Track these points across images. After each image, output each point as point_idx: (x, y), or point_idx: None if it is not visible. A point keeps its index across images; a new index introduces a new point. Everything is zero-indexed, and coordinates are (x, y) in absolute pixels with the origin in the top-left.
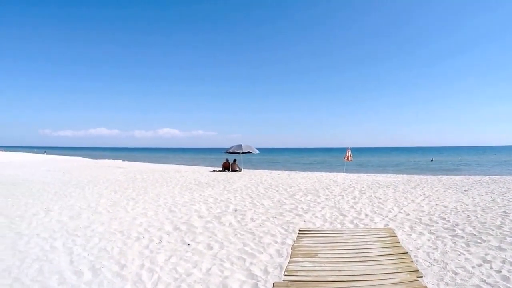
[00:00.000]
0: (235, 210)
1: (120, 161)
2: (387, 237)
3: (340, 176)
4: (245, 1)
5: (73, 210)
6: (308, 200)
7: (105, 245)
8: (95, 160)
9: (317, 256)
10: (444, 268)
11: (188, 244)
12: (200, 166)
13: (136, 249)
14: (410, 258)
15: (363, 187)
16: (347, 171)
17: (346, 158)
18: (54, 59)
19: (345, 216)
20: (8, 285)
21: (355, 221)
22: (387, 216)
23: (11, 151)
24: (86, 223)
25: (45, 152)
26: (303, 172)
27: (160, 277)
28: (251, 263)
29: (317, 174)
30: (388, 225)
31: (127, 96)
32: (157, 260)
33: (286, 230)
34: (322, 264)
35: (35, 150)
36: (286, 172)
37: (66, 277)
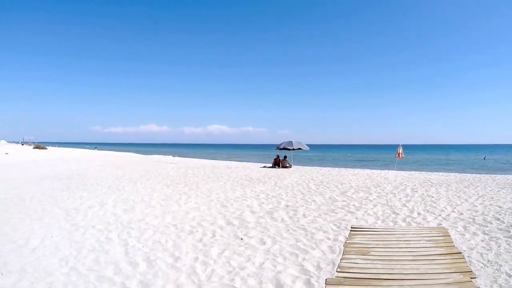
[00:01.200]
0: (287, 206)
1: (170, 156)
2: (440, 236)
3: (391, 174)
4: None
5: (127, 204)
6: (360, 197)
7: (159, 237)
8: (146, 156)
9: (369, 254)
10: (498, 270)
11: (241, 239)
12: (250, 162)
13: (189, 242)
14: (464, 258)
15: (415, 185)
16: (398, 168)
17: (397, 155)
18: (106, 57)
19: (398, 214)
20: (66, 273)
21: (407, 220)
22: (440, 215)
23: (64, 147)
24: (140, 216)
25: (95, 148)
26: (353, 169)
27: (214, 270)
28: (303, 259)
29: (367, 171)
30: (441, 224)
31: (177, 93)
32: (211, 253)
33: (338, 227)
34: (375, 262)
35: (87, 146)
36: (336, 169)
37: (121, 267)
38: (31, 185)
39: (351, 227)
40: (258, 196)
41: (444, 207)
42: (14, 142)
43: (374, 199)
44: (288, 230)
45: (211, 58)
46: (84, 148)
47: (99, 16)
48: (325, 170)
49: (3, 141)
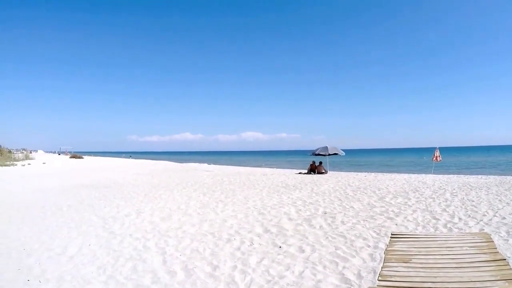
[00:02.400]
0: (325, 213)
1: (206, 164)
2: (483, 242)
3: (429, 178)
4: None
5: (164, 212)
6: (399, 202)
7: (197, 246)
8: (181, 164)
9: (411, 261)
10: None
11: (280, 247)
12: (286, 168)
13: (227, 250)
14: (508, 265)
15: (454, 189)
16: (435, 172)
17: (434, 158)
18: (141, 66)
19: (438, 219)
20: (103, 282)
21: (448, 225)
22: (481, 220)
23: (100, 156)
24: (177, 225)
25: (130, 156)
26: (390, 174)
27: (253, 279)
28: (344, 267)
29: (405, 175)
30: (483, 229)
31: (211, 102)
32: (249, 262)
33: (378, 234)
34: (417, 270)
35: (123, 155)
36: (373, 174)
37: (159, 276)
38: (68, 194)
39: (391, 234)
40: (295, 203)
41: (486, 211)
42: (51, 152)
43: (413, 204)
44: (327, 237)
45: (245, 66)
46: (120, 157)
47: (132, 27)
48: (361, 175)
49: (40, 151)
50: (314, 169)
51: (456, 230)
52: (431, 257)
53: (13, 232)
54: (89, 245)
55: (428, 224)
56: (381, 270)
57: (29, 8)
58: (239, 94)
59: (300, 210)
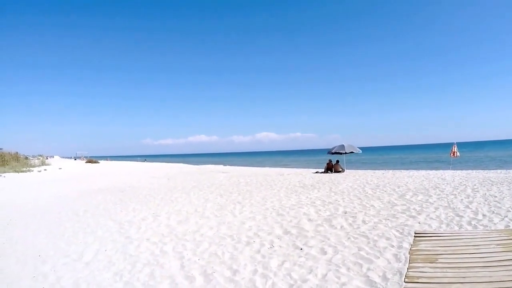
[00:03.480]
0: (345, 213)
1: (221, 166)
2: (511, 239)
3: (448, 174)
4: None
5: (180, 215)
6: (420, 200)
7: (215, 249)
8: (197, 166)
9: (437, 261)
10: None
11: (301, 249)
12: (302, 168)
13: (247, 254)
14: None
15: (475, 185)
16: (454, 167)
17: (452, 154)
18: (154, 70)
19: (462, 216)
20: None
21: (472, 222)
22: (506, 216)
23: (116, 161)
24: (195, 228)
25: (145, 160)
26: (408, 171)
27: (274, 283)
28: (368, 269)
29: (423, 172)
30: (509, 226)
31: (225, 103)
32: (270, 265)
33: (401, 233)
34: (444, 270)
35: (138, 159)
36: (391, 171)
37: (177, 282)
38: (84, 198)
39: (415, 233)
40: (314, 203)
41: (510, 207)
42: (67, 157)
43: (434, 201)
44: (349, 238)
45: (257, 66)
46: (135, 161)
47: (145, 31)
48: (379, 173)
49: (56, 157)
50: (331, 168)
51: (481, 227)
52: (457, 256)
53: (29, 238)
54: (105, 250)
55: (452, 222)
56: (407, 271)
57: (41, 13)
58: (252, 95)
59: (320, 210)
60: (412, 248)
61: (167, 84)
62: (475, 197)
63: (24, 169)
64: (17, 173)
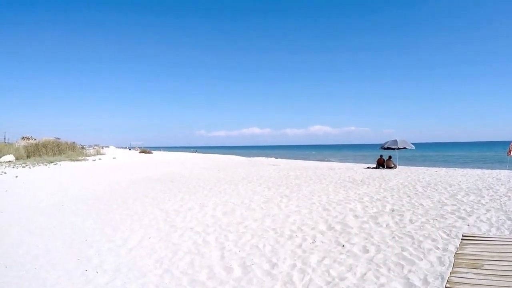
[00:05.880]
0: (392, 210)
1: (273, 158)
2: None
3: (503, 174)
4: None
5: (227, 206)
6: (471, 201)
7: (257, 242)
8: (248, 158)
9: (482, 267)
10: None
11: (343, 246)
12: (354, 163)
13: (288, 248)
14: None
15: None
16: (510, 167)
17: (509, 152)
18: (211, 66)
19: None
20: (159, 275)
21: None
22: None
23: (169, 151)
24: (239, 219)
25: (196, 151)
26: (462, 169)
27: (311, 279)
28: (409, 271)
29: (477, 171)
30: None
31: (279, 97)
32: (310, 260)
33: (448, 235)
34: (489, 277)
35: (191, 150)
36: (444, 169)
37: (215, 272)
38: (135, 187)
39: (462, 236)
40: (362, 199)
41: None
42: (122, 147)
43: (486, 203)
44: (393, 237)
45: (313, 63)
46: (187, 152)
47: (206, 29)
48: (432, 170)
49: (112, 147)
50: (382, 164)
51: None
52: (505, 263)
53: (78, 223)
54: (150, 238)
55: (503, 226)
56: (450, 276)
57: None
58: (307, 89)
59: (367, 206)
60: (457, 252)
61: (223, 79)
62: None
63: (80, 158)
64: (72, 162)
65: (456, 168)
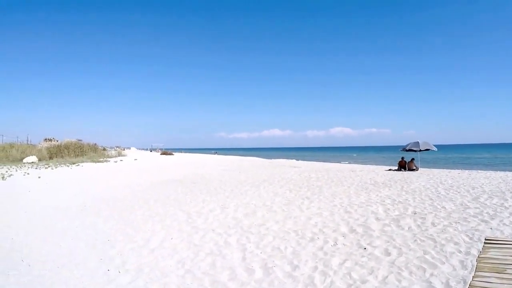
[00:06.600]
0: (415, 213)
1: (294, 160)
2: None
3: None
4: None
5: (248, 208)
6: (494, 204)
7: (278, 244)
8: (269, 160)
9: (505, 272)
10: None
11: (365, 248)
12: (375, 165)
13: (309, 250)
14: None
15: None
16: None
17: None
18: (233, 68)
19: None
20: (181, 276)
21: None
22: None
23: (190, 153)
24: (261, 221)
25: (216, 152)
26: (485, 172)
27: (333, 282)
28: (431, 274)
29: (501, 173)
30: None
31: (300, 99)
32: (331, 263)
33: (471, 238)
34: (511, 282)
35: (212, 151)
36: (467, 171)
37: (237, 273)
38: (156, 188)
39: (485, 239)
40: (384, 201)
41: None
42: (143, 149)
43: (510, 206)
44: (415, 240)
45: (333, 65)
46: (208, 154)
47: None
48: (454, 172)
49: (133, 148)
50: (404, 166)
51: None
52: None
53: (100, 224)
54: (171, 238)
55: None
56: (472, 280)
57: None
58: (328, 91)
59: (389, 209)
60: (480, 256)
61: (242, 81)
62: None
63: (101, 159)
64: (94, 163)
65: (479, 171)
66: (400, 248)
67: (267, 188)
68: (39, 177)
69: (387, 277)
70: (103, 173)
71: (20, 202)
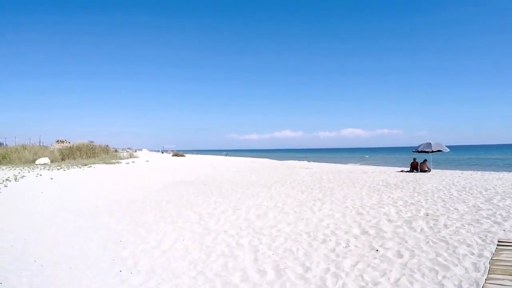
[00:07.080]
0: (427, 215)
1: (305, 161)
2: None
3: None
4: None
5: (260, 209)
6: (507, 205)
7: (290, 245)
8: (280, 161)
9: None
10: None
11: (377, 250)
12: (386, 166)
13: (321, 251)
14: None
15: None
16: None
17: None
18: (244, 69)
19: None
20: (193, 277)
21: None
22: None
23: (201, 155)
24: (273, 223)
25: (226, 154)
26: (498, 173)
27: (345, 284)
28: (443, 277)
29: None
30: None
31: (312, 99)
32: (343, 265)
33: (483, 240)
34: None
35: (223, 153)
36: (479, 172)
37: (249, 275)
38: (168, 190)
39: (498, 241)
40: (396, 203)
41: None
42: (155, 150)
43: None
44: (427, 242)
45: (344, 66)
46: (221, 155)
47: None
48: (467, 173)
49: (145, 150)
50: (416, 167)
51: None
52: None
53: (112, 225)
54: (183, 240)
55: None
56: (485, 283)
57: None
58: (339, 92)
59: (401, 211)
60: (493, 258)
61: (253, 83)
62: None
63: (113, 161)
64: (106, 165)
65: (492, 172)
66: (413, 250)
67: (279, 189)
68: (51, 179)
69: (399, 279)
70: (115, 175)
71: (32, 203)
